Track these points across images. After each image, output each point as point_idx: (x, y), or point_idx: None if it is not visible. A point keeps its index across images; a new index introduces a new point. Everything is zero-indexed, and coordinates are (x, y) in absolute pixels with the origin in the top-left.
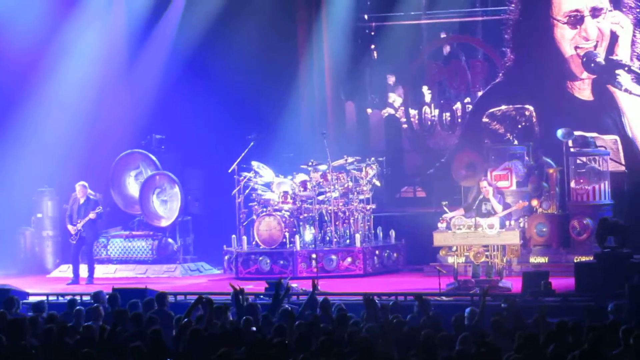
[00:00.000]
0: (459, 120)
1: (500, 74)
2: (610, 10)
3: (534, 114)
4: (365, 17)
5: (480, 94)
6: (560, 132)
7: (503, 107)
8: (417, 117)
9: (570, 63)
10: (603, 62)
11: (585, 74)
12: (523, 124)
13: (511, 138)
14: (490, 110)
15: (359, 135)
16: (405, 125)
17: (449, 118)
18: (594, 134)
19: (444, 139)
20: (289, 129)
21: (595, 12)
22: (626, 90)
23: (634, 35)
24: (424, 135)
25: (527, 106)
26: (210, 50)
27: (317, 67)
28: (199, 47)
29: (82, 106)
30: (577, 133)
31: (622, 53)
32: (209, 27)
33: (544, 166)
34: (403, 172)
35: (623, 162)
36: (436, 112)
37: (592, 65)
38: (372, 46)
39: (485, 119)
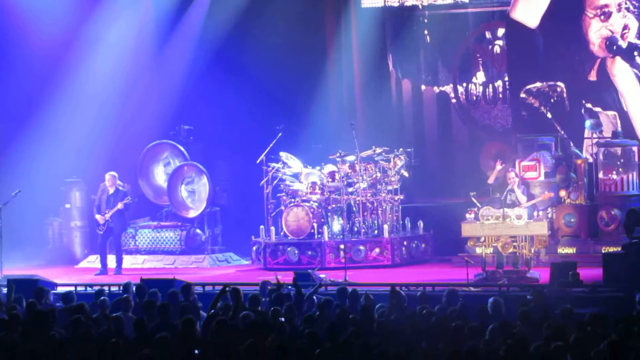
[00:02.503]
0: (500, 95)
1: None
2: (627, 8)
3: (564, 90)
4: (420, 6)
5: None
6: (588, 123)
7: (538, 84)
8: (464, 93)
9: (593, 48)
10: (624, 46)
11: (608, 56)
12: (555, 99)
13: (545, 111)
14: (527, 87)
15: (413, 110)
16: (454, 100)
17: (491, 93)
18: (599, 109)
19: (488, 112)
20: (318, 120)
21: (620, 6)
22: None
23: None
24: (470, 108)
25: (558, 83)
26: (238, 41)
27: (346, 58)
28: (227, 38)
29: (111, 97)
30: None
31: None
32: (237, 18)
33: (572, 157)
34: (451, 138)
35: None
36: (480, 88)
37: (615, 48)
38: (426, 32)
39: (522, 95)
